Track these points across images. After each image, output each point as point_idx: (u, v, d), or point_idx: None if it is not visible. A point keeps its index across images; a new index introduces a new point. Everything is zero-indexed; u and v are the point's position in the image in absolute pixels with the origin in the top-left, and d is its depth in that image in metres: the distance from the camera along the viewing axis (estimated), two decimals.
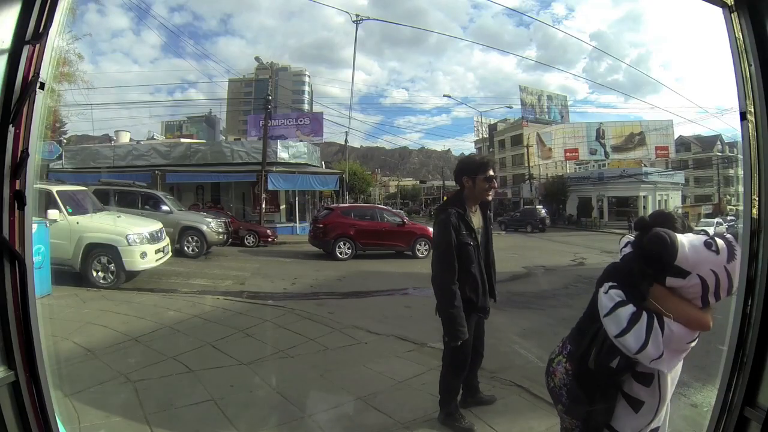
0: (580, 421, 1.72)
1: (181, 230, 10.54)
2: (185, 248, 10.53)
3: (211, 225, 10.90)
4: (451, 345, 2.55)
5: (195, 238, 10.59)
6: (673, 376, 1.56)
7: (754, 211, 1.28)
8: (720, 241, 1.43)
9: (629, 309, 1.47)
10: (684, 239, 1.43)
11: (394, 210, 14.73)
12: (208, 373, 3.34)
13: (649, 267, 1.49)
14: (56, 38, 1.21)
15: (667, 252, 1.41)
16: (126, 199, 10.96)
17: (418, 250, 11.78)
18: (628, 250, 1.63)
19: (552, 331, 4.87)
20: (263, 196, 18.12)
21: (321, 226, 11.53)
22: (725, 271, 1.39)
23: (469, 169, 2.67)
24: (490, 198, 2.75)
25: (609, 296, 1.53)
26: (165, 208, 11.02)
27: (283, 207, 20.08)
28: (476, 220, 2.69)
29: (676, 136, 36.78)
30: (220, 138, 44.56)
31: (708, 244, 1.42)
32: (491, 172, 2.67)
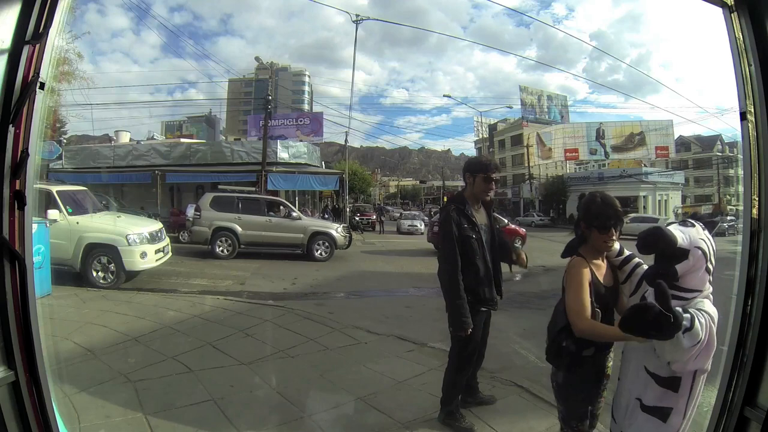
0: (563, 407, 1.91)
1: (311, 235, 10.77)
2: (315, 252, 10.72)
3: (338, 230, 11.20)
4: (456, 335, 2.59)
5: (325, 242, 10.85)
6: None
7: (754, 211, 1.28)
8: (688, 220, 1.69)
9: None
10: (669, 227, 1.60)
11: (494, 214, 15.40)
12: (208, 373, 3.34)
13: (661, 265, 1.59)
14: (56, 38, 1.21)
15: (667, 241, 1.53)
16: (250, 206, 11.09)
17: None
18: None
19: None
20: None
21: None
22: (707, 237, 1.62)
23: (472, 167, 2.75)
24: (488, 198, 2.79)
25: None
26: (294, 214, 11.17)
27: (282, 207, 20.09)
28: (480, 216, 2.73)
29: (676, 136, 36.74)
30: (220, 138, 44.45)
31: (684, 223, 1.66)
32: (492, 174, 2.70)
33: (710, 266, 1.61)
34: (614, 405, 1.82)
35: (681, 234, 1.57)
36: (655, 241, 1.56)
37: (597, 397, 1.91)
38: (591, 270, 1.80)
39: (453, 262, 2.56)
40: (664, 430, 1.61)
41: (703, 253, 1.59)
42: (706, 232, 1.64)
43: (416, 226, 20.26)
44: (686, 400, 1.60)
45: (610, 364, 1.94)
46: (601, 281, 1.82)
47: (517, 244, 13.14)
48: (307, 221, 11.26)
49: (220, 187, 12.39)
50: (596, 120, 47.77)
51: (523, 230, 14.41)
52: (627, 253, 1.88)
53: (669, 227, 1.60)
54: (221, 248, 10.36)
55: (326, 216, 22.01)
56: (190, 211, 10.97)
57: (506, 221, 14.66)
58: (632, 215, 22.28)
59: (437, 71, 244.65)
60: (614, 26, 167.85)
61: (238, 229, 10.50)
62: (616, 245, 1.88)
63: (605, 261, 1.88)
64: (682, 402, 1.60)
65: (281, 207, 11.56)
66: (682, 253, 1.53)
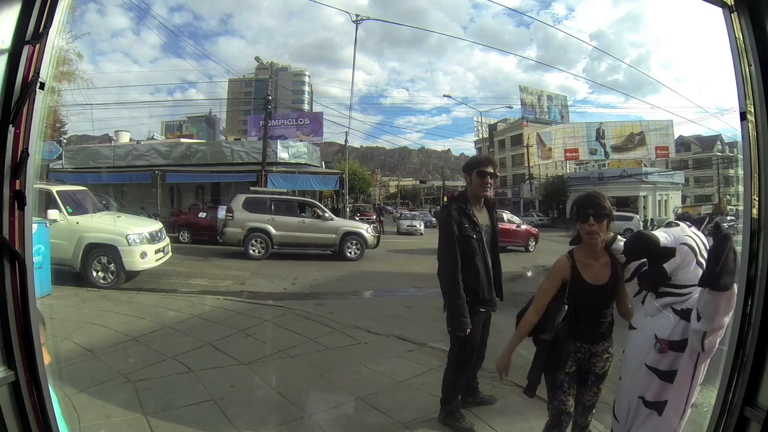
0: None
1: (343, 236, 10.91)
2: (347, 252, 10.87)
3: (368, 230, 11.41)
4: (455, 335, 2.58)
5: (356, 242, 11.01)
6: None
7: (754, 211, 1.28)
8: (673, 221, 1.80)
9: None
10: (651, 231, 1.71)
11: (510, 215, 16.01)
12: (208, 373, 3.34)
13: (652, 265, 1.63)
14: (56, 38, 1.21)
15: (650, 243, 1.60)
16: (282, 207, 11.17)
17: (530, 245, 14.03)
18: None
19: None
20: None
21: None
22: (695, 234, 1.70)
23: (468, 166, 2.78)
24: (487, 193, 2.77)
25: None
26: (326, 215, 11.30)
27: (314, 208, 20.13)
28: (482, 217, 2.72)
29: (676, 136, 36.70)
30: (220, 138, 44.46)
31: (668, 224, 1.78)
32: (486, 169, 2.71)
33: (701, 260, 1.64)
34: (616, 404, 1.83)
35: (664, 234, 1.64)
36: (639, 245, 1.63)
37: (575, 386, 1.96)
38: (576, 268, 1.86)
39: (453, 261, 2.56)
40: (662, 423, 1.62)
41: (690, 248, 1.65)
42: (693, 228, 1.71)
43: (415, 226, 20.20)
44: (687, 392, 1.61)
45: (606, 359, 1.95)
46: (587, 279, 1.85)
47: None
48: (338, 222, 11.43)
49: (251, 189, 12.46)
50: (596, 120, 47.86)
51: (535, 230, 14.70)
52: None
53: (652, 231, 1.70)
54: (255, 249, 10.39)
55: None
56: (222, 213, 10.96)
57: (520, 221, 15.03)
58: None
59: (437, 71, 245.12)
60: (614, 26, 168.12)
61: (272, 230, 10.56)
62: (620, 243, 1.89)
63: (602, 260, 1.88)
64: (681, 394, 1.61)
65: (313, 208, 11.67)
66: (669, 252, 1.59)
